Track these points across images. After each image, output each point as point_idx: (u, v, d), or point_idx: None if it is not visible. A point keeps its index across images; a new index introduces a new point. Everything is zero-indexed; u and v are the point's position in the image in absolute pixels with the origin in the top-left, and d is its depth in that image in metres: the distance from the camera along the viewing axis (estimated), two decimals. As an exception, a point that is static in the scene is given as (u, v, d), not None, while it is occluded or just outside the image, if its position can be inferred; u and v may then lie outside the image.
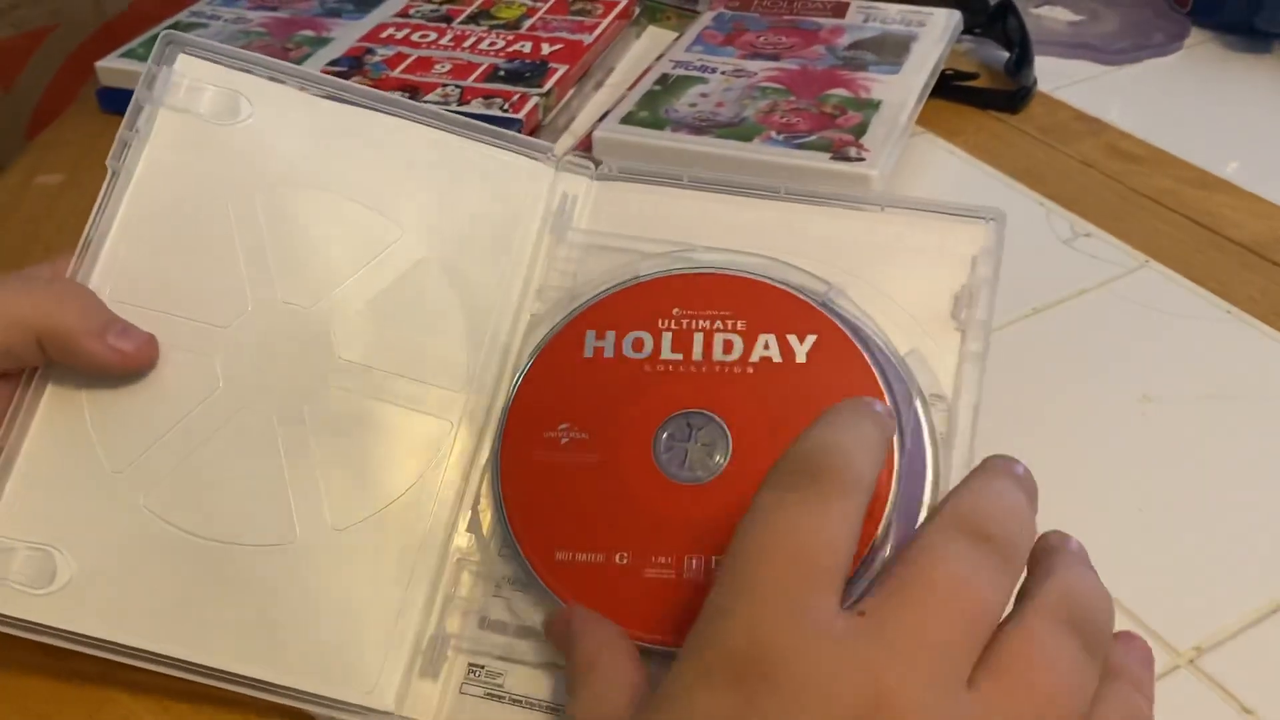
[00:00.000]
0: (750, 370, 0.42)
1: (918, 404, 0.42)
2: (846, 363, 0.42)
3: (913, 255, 0.45)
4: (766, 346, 0.43)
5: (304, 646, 0.40)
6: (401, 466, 0.43)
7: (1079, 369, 0.55)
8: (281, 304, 0.44)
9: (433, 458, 0.43)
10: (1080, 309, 0.58)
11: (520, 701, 0.41)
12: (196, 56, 0.46)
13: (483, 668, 0.41)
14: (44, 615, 0.40)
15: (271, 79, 0.46)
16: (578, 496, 0.42)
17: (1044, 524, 0.48)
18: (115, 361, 0.42)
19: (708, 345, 0.43)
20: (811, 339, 0.42)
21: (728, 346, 0.43)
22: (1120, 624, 0.44)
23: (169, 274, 0.44)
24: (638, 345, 0.44)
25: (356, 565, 0.41)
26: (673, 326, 0.44)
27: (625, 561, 0.40)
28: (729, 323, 0.43)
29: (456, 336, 0.45)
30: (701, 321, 0.44)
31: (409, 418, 0.44)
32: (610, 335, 0.44)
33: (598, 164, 0.48)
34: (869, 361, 0.42)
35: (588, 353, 0.44)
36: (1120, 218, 0.64)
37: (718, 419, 0.42)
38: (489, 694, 0.41)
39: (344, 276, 0.45)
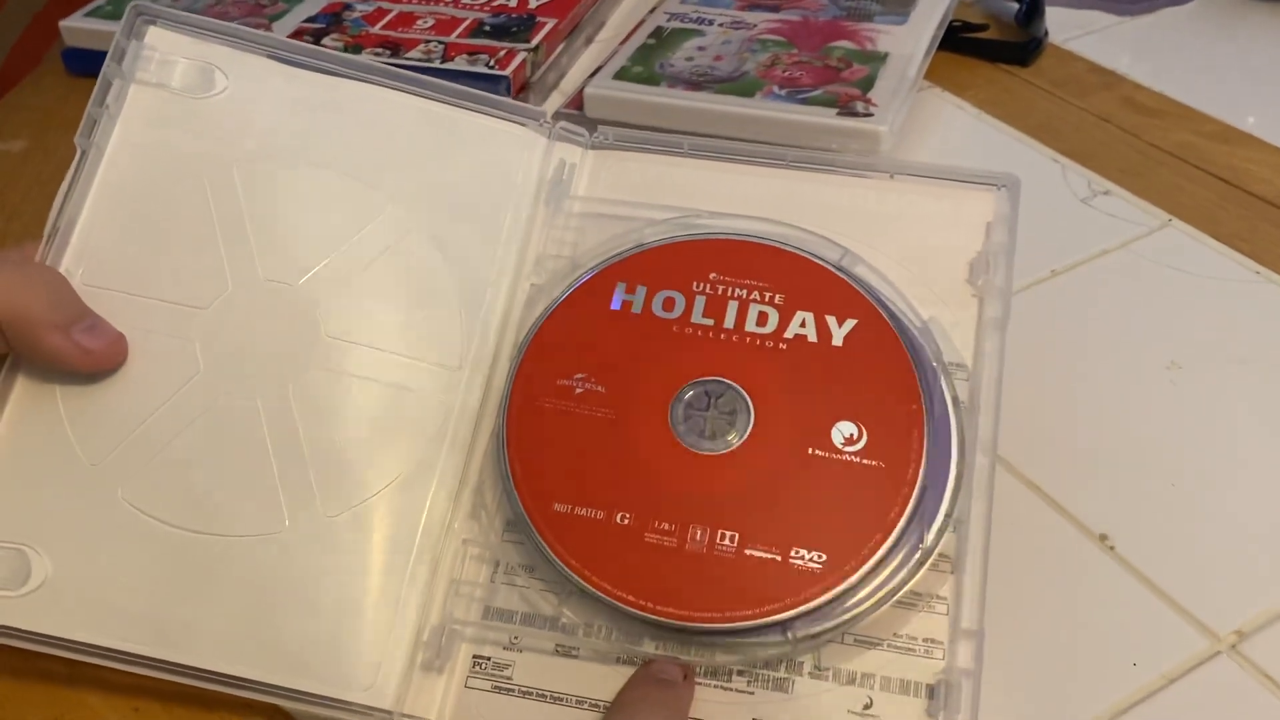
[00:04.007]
0: (783, 346, 0.41)
1: (940, 374, 0.41)
2: (885, 353, 0.41)
3: (925, 223, 0.44)
4: (803, 325, 0.42)
5: (297, 643, 0.39)
6: (396, 448, 0.41)
7: (1101, 334, 0.52)
8: (263, 282, 0.43)
9: (429, 437, 0.42)
10: (1101, 271, 0.56)
11: (531, 693, 0.39)
12: (168, 29, 0.44)
13: (488, 659, 0.40)
14: (18, 619, 0.39)
15: (247, 49, 0.45)
16: (585, 449, 0.41)
17: (1074, 503, 0.45)
18: (78, 359, 0.40)
19: (741, 314, 0.42)
20: (851, 323, 0.42)
21: (762, 319, 0.42)
22: (1156, 608, 0.42)
23: (144, 255, 0.42)
24: (669, 305, 0.43)
25: (351, 555, 0.40)
26: (707, 291, 0.43)
27: (626, 522, 0.39)
28: (767, 294, 0.42)
29: (450, 311, 0.43)
30: (738, 290, 0.43)
31: (402, 397, 0.42)
32: (641, 290, 0.43)
33: (593, 131, 0.47)
34: (909, 354, 0.41)
35: (615, 305, 0.43)
36: (1140, 174, 0.63)
37: (741, 391, 0.41)
38: (496, 687, 0.39)
39: (329, 251, 0.43)
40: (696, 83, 0.64)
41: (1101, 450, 0.47)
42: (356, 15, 0.72)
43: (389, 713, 0.38)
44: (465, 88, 0.46)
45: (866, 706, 0.38)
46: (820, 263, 0.43)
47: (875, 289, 0.42)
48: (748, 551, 0.38)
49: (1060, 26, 0.75)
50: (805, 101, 0.61)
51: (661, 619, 0.38)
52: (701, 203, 0.45)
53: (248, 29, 0.45)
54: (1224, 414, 0.49)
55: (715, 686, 0.38)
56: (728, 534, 0.39)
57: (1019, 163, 0.64)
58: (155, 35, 0.44)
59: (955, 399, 0.41)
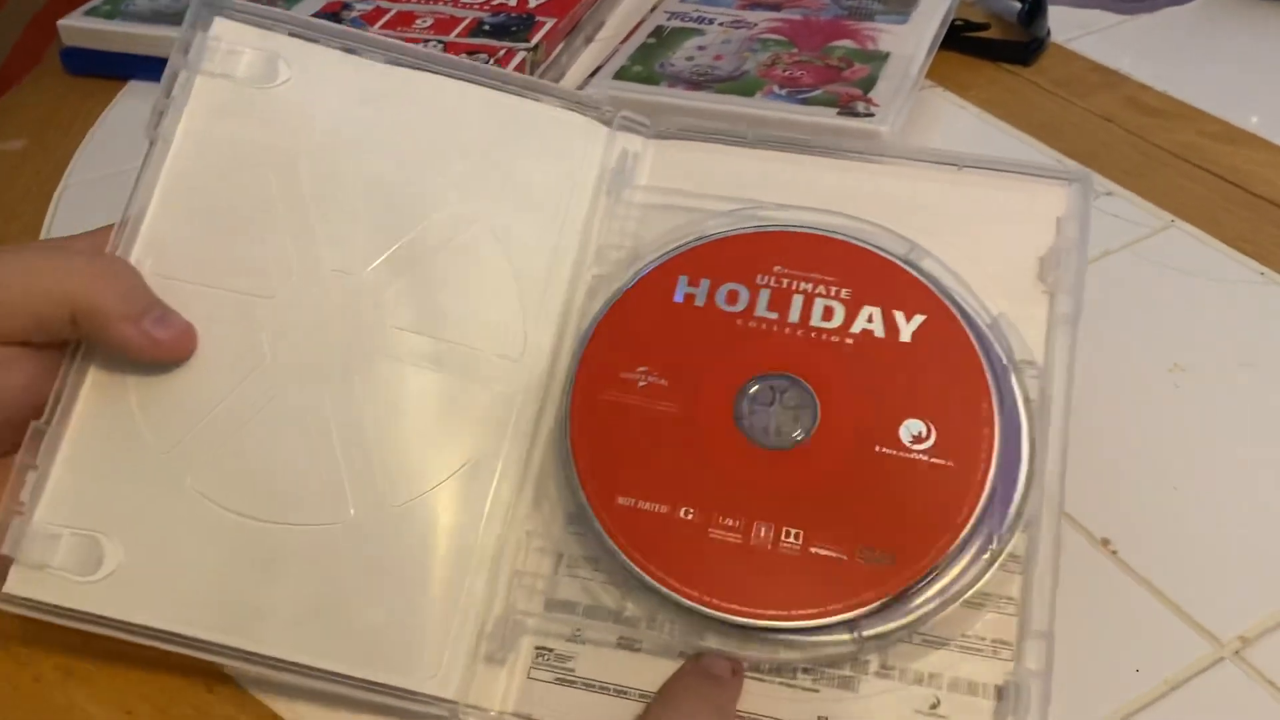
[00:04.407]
0: (850, 342, 0.41)
1: (1011, 371, 0.41)
2: (954, 350, 0.41)
3: (994, 217, 0.44)
4: (870, 319, 0.42)
5: (362, 632, 0.39)
6: (459, 438, 0.42)
7: (1104, 336, 0.52)
8: (328, 272, 0.43)
9: (492, 428, 0.42)
10: (1103, 272, 0.56)
11: (593, 686, 0.39)
12: (233, 19, 0.45)
13: (551, 651, 0.40)
14: (91, 604, 0.39)
15: (311, 39, 0.46)
16: (649, 443, 0.41)
17: (1075, 507, 0.45)
18: (148, 350, 0.40)
19: (806, 309, 0.42)
20: (920, 319, 0.41)
21: (828, 313, 0.42)
22: (1159, 615, 0.42)
23: (211, 245, 0.43)
24: (732, 298, 0.43)
25: (414, 544, 0.41)
26: (772, 284, 0.43)
27: (691, 517, 0.40)
28: (832, 289, 0.42)
29: (511, 302, 0.44)
30: (803, 284, 0.43)
31: (465, 387, 0.42)
32: (704, 283, 0.43)
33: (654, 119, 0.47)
34: (978, 351, 0.41)
35: (678, 298, 0.43)
36: (1142, 174, 0.63)
37: (807, 387, 0.41)
38: (559, 679, 0.40)
39: (392, 242, 0.44)
40: (697, 82, 0.64)
41: (1104, 454, 0.47)
42: (355, 15, 0.72)
43: (454, 702, 0.39)
44: (529, 77, 0.47)
45: (934, 706, 0.37)
46: (887, 256, 0.43)
47: (943, 283, 0.42)
48: (813, 550, 0.38)
49: (1062, 26, 0.75)
50: (806, 101, 0.61)
51: (726, 616, 0.38)
52: (765, 194, 0.45)
53: (314, 20, 0.46)
54: (1227, 417, 0.49)
55: (780, 684, 0.38)
56: (793, 531, 0.39)
57: (1021, 163, 0.63)
58: (220, 26, 0.45)
59: (1026, 397, 0.40)
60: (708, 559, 0.39)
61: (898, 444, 0.40)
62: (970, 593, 0.38)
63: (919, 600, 0.38)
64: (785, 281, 0.43)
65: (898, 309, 0.42)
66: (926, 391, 0.40)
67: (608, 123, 0.47)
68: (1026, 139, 0.65)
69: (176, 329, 0.41)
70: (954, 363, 0.41)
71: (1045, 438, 0.40)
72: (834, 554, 0.38)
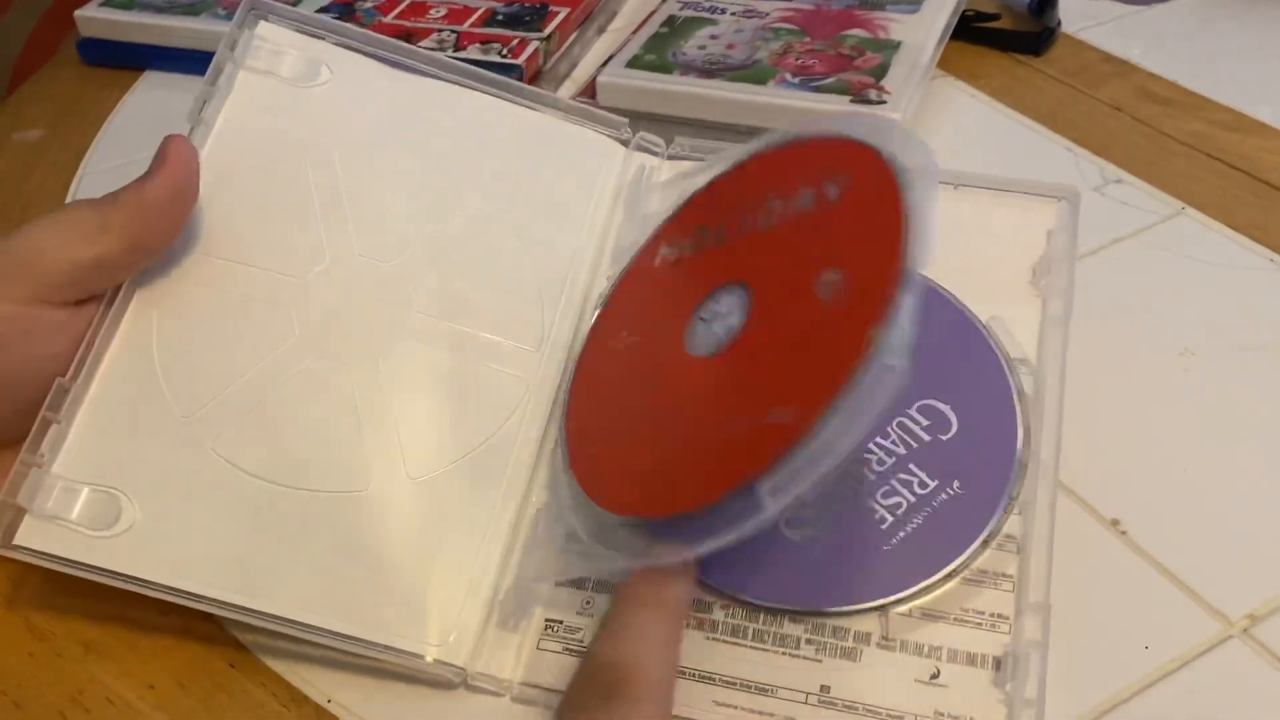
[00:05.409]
0: (783, 228, 0.41)
1: (1005, 366, 0.43)
2: (871, 191, 0.38)
3: (988, 229, 0.46)
4: (803, 200, 0.41)
5: (376, 598, 0.41)
6: (477, 420, 0.44)
7: (1114, 322, 0.53)
8: (358, 258, 0.45)
9: (509, 412, 0.44)
10: (1114, 259, 0.57)
11: None
12: (277, 23, 0.48)
13: (561, 622, 0.41)
14: (104, 559, 0.40)
15: (351, 47, 0.49)
16: (617, 393, 0.43)
17: (1087, 487, 0.45)
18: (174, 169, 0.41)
19: (752, 219, 0.42)
20: (848, 178, 0.39)
21: (769, 214, 0.42)
22: (1168, 594, 0.43)
23: (246, 227, 0.45)
24: (698, 243, 0.44)
25: (432, 515, 0.42)
26: (734, 216, 0.43)
27: (637, 445, 0.40)
28: (780, 192, 0.42)
29: (531, 296, 0.46)
30: (755, 198, 0.42)
31: (485, 371, 0.45)
32: (678, 241, 0.45)
33: (669, 142, 0.50)
34: (896, 184, 0.36)
35: (657, 263, 0.45)
36: (1153, 163, 0.63)
37: (743, 284, 0.41)
38: (568, 649, 0.41)
39: (421, 234, 0.46)
40: (709, 71, 0.64)
41: (1113, 436, 0.47)
42: (369, 5, 0.73)
43: (463, 669, 0.40)
44: (556, 95, 0.50)
45: (934, 676, 0.38)
46: (833, 139, 0.41)
47: (869, 138, 0.39)
48: (729, 428, 0.37)
49: (1073, 16, 0.76)
50: (818, 89, 0.62)
51: (648, 519, 0.38)
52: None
53: (358, 29, 0.48)
54: (1236, 400, 0.49)
55: (784, 654, 0.39)
56: (712, 422, 0.38)
57: (1032, 151, 0.64)
58: (265, 29, 0.47)
59: (1020, 391, 0.42)
60: (650, 474, 0.38)
61: (812, 299, 0.37)
62: (968, 570, 0.39)
63: (829, 453, 0.33)
64: (745, 202, 0.42)
65: (829, 180, 0.39)
66: (844, 240, 0.38)
67: (625, 143, 0.50)
68: (1037, 128, 0.66)
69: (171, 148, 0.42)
70: (870, 201, 0.37)
71: (1040, 428, 0.41)
72: (746, 425, 0.36)
